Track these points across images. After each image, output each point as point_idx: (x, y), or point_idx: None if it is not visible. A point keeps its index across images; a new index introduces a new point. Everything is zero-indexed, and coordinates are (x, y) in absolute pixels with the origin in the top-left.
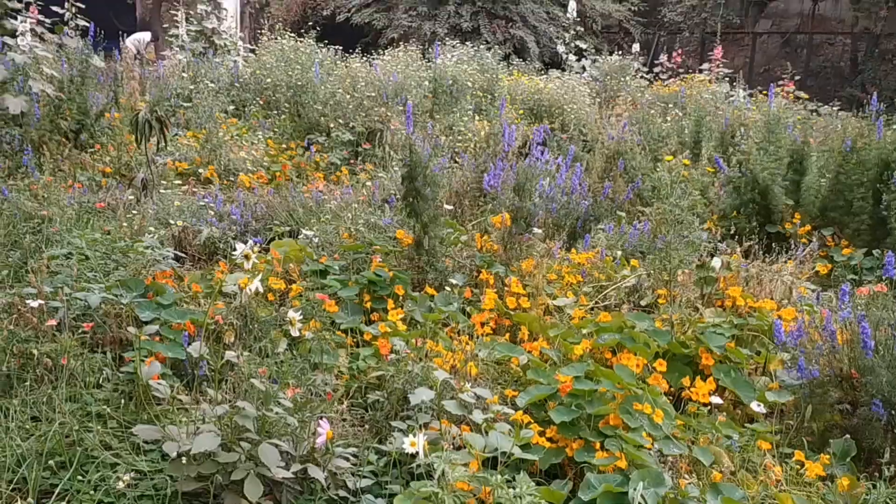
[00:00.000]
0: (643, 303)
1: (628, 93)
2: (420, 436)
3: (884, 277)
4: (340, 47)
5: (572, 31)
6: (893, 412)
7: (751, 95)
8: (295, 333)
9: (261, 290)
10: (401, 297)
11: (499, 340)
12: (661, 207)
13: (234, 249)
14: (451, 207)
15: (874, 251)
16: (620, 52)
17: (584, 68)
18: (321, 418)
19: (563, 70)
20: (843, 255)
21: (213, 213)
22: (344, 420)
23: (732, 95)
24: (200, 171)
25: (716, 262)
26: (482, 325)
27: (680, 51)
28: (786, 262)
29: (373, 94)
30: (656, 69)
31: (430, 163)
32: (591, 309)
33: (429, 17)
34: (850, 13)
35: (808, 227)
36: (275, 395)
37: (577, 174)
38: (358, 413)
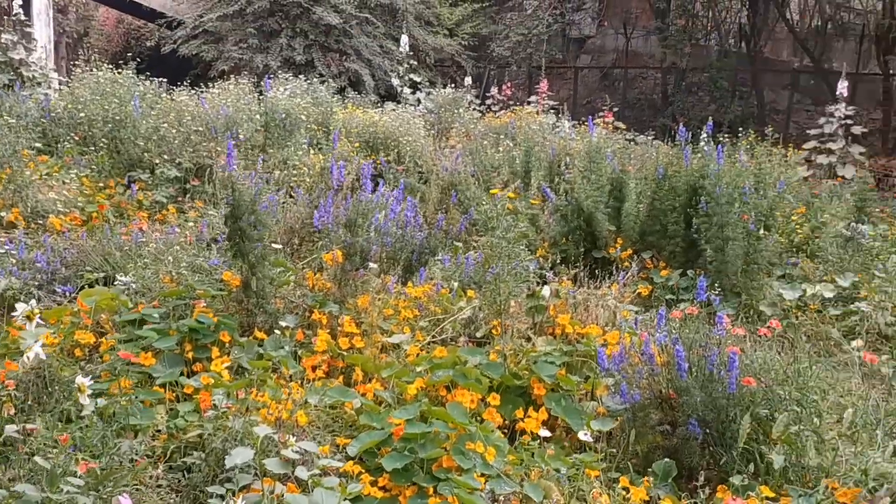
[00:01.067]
0: (479, 334)
1: (462, 124)
2: (238, 502)
3: (695, 300)
4: (166, 80)
5: (406, 65)
6: (708, 431)
7: (575, 126)
8: (84, 401)
9: (42, 356)
10: (227, 344)
11: (332, 384)
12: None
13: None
14: (279, 246)
15: (688, 272)
16: (454, 85)
17: (418, 101)
18: (122, 493)
19: (399, 102)
20: (661, 277)
21: (14, 261)
22: (159, 486)
23: (559, 126)
24: (2, 214)
25: (545, 291)
26: (314, 368)
27: (509, 83)
28: (610, 286)
29: (200, 129)
30: (488, 101)
31: (256, 200)
32: (430, 343)
33: (260, 49)
34: (659, 49)
35: (629, 251)
36: (63, 472)
37: (410, 207)
38: (176, 477)
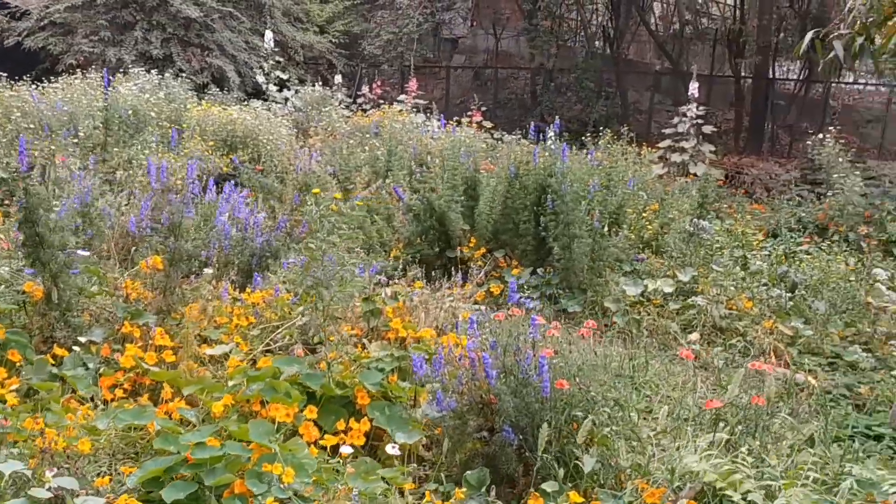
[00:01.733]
0: (315, 341)
1: (329, 123)
2: None
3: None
4: (5, 75)
5: (271, 61)
6: (522, 437)
7: (447, 125)
8: None
9: None
10: (17, 364)
11: (130, 405)
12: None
13: None
14: (87, 253)
15: (539, 270)
16: (325, 84)
17: (286, 99)
18: None
19: (266, 100)
20: (513, 275)
21: None
22: None
23: (428, 125)
24: None
25: (385, 293)
26: (112, 387)
27: (380, 82)
28: (462, 286)
29: (32, 127)
30: (360, 100)
31: (51, 204)
32: (262, 353)
33: (113, 42)
34: (528, 50)
35: (483, 250)
36: None
37: (238, 207)
38: None
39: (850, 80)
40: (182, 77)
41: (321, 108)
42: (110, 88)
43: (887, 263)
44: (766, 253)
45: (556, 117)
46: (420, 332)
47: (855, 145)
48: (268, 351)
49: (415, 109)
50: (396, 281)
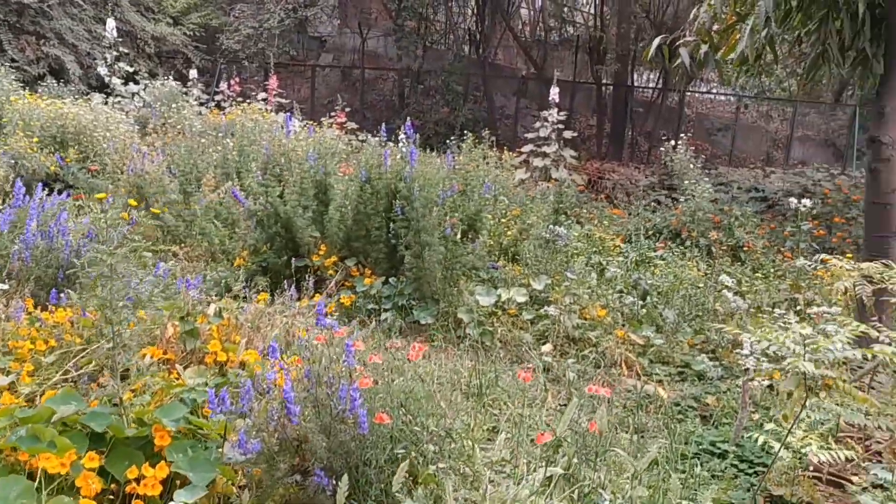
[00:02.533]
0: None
1: (178, 120)
2: None
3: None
4: None
5: (115, 53)
6: (336, 481)
7: (308, 125)
8: None
9: None
10: None
11: None
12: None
13: None
14: None
15: (391, 279)
16: (181, 79)
17: (133, 94)
18: None
19: (110, 95)
20: (365, 285)
21: None
22: None
23: (290, 125)
24: None
25: (211, 310)
26: None
27: (238, 79)
28: (312, 296)
29: None
30: (218, 97)
31: None
32: (64, 382)
33: None
34: (395, 51)
35: (334, 259)
36: None
37: (59, 214)
38: None
39: (704, 89)
40: (13, 67)
41: (172, 104)
42: None
43: (735, 268)
44: (622, 259)
45: (409, 119)
46: (242, 356)
47: (707, 152)
48: (66, 381)
49: (276, 109)
50: (237, 294)
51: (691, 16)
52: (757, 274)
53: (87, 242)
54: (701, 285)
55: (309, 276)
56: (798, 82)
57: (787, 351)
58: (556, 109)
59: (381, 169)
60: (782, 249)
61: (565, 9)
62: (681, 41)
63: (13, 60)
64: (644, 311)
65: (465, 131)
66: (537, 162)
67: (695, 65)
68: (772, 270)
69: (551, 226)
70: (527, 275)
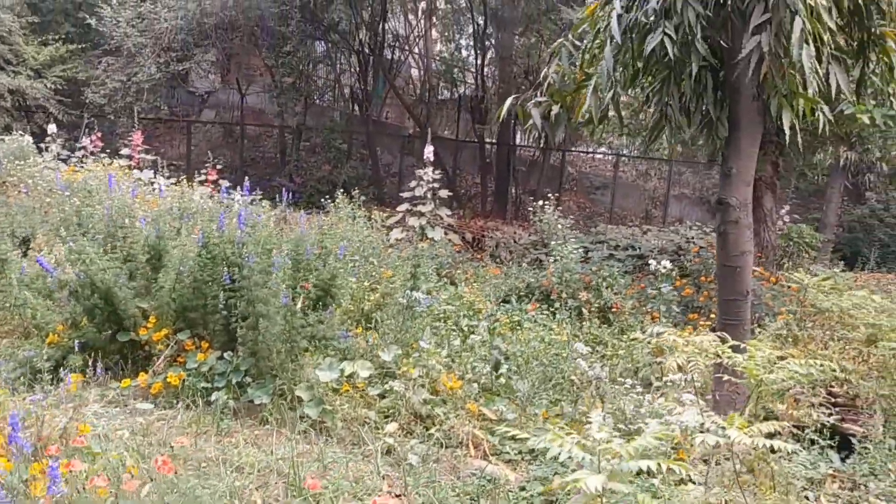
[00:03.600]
0: None
1: (20, 178)
2: None
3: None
4: None
5: None
6: None
7: (176, 183)
8: None
9: None
10: None
11: None
12: None
13: None
14: None
15: (227, 353)
16: (40, 133)
17: None
18: None
19: None
20: (197, 361)
21: None
22: None
23: (155, 182)
24: None
25: None
26: None
27: (100, 134)
28: (136, 375)
29: None
30: (80, 153)
31: None
32: None
33: None
34: (275, 108)
35: (165, 332)
36: None
37: None
38: None
39: (584, 148)
40: None
41: (21, 160)
42: None
43: (602, 330)
44: (486, 324)
45: (247, 177)
46: None
47: (588, 210)
48: None
49: (143, 165)
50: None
51: (541, 75)
52: (624, 336)
53: None
54: (564, 352)
55: (134, 353)
56: (644, 143)
57: (578, 458)
58: (431, 168)
59: (219, 233)
60: (650, 310)
61: (455, 70)
62: (531, 101)
63: None
64: (501, 381)
65: (349, 189)
66: (413, 221)
67: (547, 125)
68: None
69: (408, 290)
70: (378, 345)
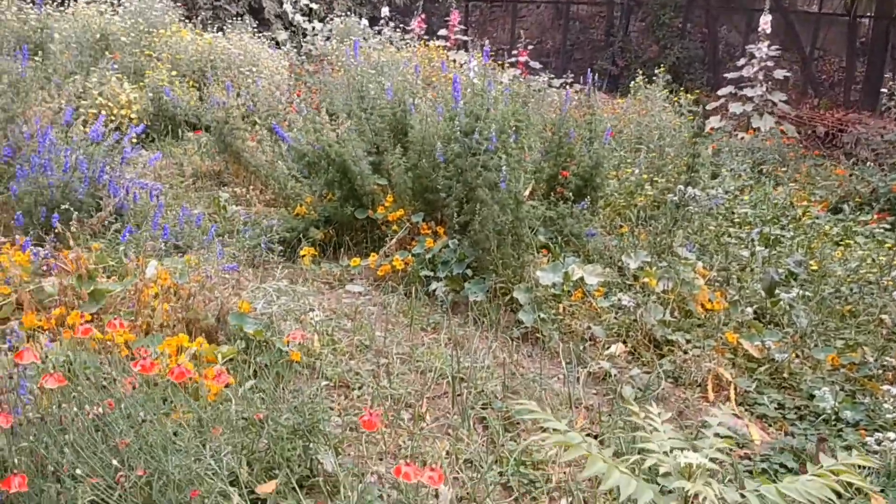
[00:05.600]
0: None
1: (338, 57)
2: None
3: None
4: None
5: None
6: None
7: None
8: None
9: None
10: None
11: None
12: None
13: None
14: None
15: (452, 242)
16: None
17: (313, 29)
18: None
19: (295, 33)
20: (424, 247)
21: None
22: None
23: (469, 64)
24: None
25: (150, 270)
26: None
27: (423, 16)
28: (367, 255)
29: None
30: (408, 35)
31: None
32: None
33: None
34: None
35: (401, 212)
36: None
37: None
38: None
39: None
40: (214, 6)
41: (344, 40)
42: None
43: None
44: (803, 235)
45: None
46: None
47: None
48: None
49: (458, 46)
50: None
51: None
52: None
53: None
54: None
55: (375, 232)
56: None
57: None
58: (765, 43)
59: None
60: None
61: None
62: None
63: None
64: (776, 308)
65: (676, 71)
66: (735, 107)
67: None
68: None
69: (681, 187)
70: (627, 248)
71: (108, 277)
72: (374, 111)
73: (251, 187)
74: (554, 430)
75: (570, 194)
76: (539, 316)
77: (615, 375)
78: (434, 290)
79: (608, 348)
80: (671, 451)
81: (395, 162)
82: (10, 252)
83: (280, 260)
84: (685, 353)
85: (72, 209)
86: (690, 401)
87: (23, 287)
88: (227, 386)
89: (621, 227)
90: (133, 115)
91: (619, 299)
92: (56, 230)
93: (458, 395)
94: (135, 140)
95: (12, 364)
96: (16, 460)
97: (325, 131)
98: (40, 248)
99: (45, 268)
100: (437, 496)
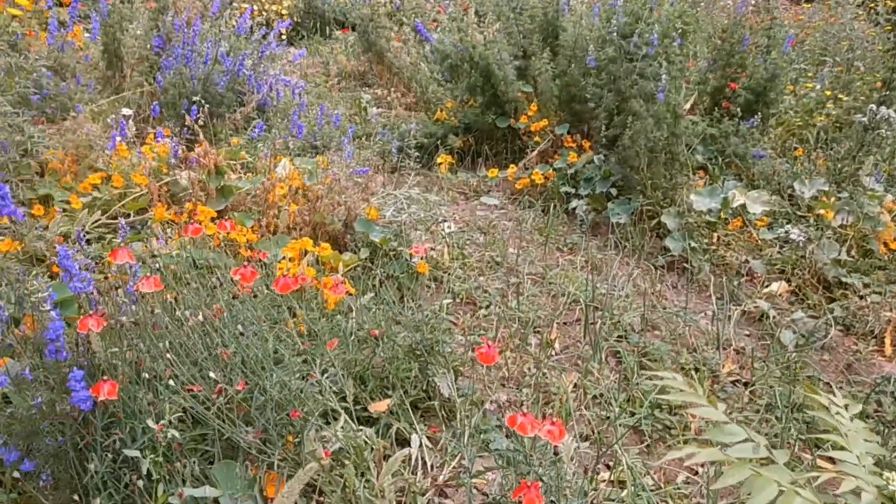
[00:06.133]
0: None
1: None
2: None
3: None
4: None
5: None
6: None
7: None
8: None
9: None
10: None
11: None
12: None
13: None
14: None
15: (597, 157)
16: None
17: None
18: None
19: None
20: (567, 161)
21: None
22: None
23: None
24: None
25: (280, 168)
26: None
27: None
28: (506, 167)
29: None
30: None
31: None
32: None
33: None
34: None
35: (545, 122)
36: None
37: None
38: None
39: None
40: None
41: None
42: None
43: None
44: None
45: None
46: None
47: None
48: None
49: None
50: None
51: None
52: None
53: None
54: None
55: (516, 142)
56: None
57: None
58: None
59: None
60: None
61: None
62: None
63: None
64: None
65: None
66: None
67: None
68: None
69: (873, 106)
70: (799, 174)
71: (245, 174)
72: (523, 11)
73: (393, 89)
74: (711, 423)
75: (738, 109)
76: (689, 244)
77: (774, 317)
78: (574, 209)
79: (768, 286)
80: (863, 456)
81: (542, 67)
82: (153, 144)
83: (416, 167)
84: (861, 298)
85: (203, 102)
86: (862, 354)
87: (159, 179)
88: (347, 294)
89: (796, 149)
90: (284, 11)
91: (787, 231)
92: (198, 120)
93: (592, 323)
94: (283, 35)
95: (107, 263)
96: (113, 363)
97: (469, 31)
98: (179, 140)
99: (183, 160)
100: (555, 453)
